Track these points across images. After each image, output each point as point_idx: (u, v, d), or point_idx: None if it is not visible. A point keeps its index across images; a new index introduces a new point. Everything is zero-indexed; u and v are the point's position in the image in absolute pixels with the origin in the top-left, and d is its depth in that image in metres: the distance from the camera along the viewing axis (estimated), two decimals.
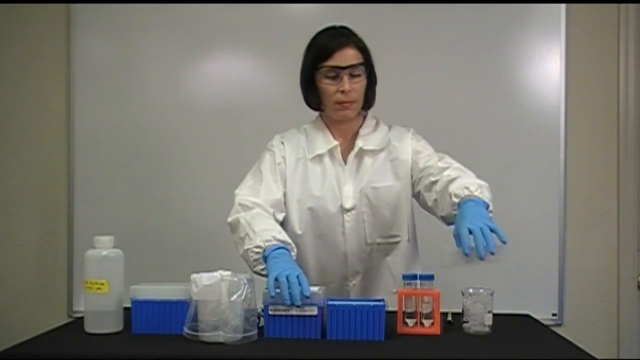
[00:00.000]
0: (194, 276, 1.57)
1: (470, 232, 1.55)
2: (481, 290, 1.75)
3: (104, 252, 1.66)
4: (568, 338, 1.69)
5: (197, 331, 1.55)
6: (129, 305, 1.67)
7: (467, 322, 1.72)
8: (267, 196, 1.90)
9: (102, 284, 1.64)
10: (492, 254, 1.52)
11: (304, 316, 1.60)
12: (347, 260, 1.95)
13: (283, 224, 1.93)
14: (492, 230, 1.56)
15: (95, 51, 2.85)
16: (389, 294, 1.88)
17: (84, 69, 2.83)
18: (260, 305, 1.63)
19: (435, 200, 1.85)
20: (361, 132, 1.98)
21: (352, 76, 1.88)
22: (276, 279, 1.59)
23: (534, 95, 2.76)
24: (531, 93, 2.76)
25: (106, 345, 1.57)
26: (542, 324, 1.89)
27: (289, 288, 1.57)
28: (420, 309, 1.69)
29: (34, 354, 1.52)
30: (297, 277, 1.60)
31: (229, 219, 1.86)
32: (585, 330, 2.73)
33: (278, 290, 1.58)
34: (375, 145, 1.96)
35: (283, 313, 1.60)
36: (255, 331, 1.56)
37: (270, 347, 1.54)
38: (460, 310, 1.78)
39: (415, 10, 2.75)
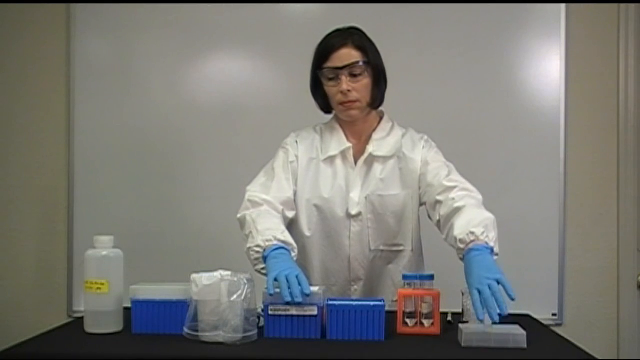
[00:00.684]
0: (194, 276, 1.57)
1: (480, 293, 1.52)
2: None
3: (104, 252, 1.66)
4: (568, 338, 1.69)
5: (197, 331, 1.55)
6: (129, 305, 1.67)
7: (466, 322, 1.72)
8: (277, 194, 1.89)
9: (102, 284, 1.64)
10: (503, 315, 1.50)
11: (304, 316, 1.60)
12: (350, 265, 1.95)
13: (292, 223, 1.94)
14: (499, 283, 1.53)
15: (95, 51, 2.85)
16: (389, 302, 1.86)
17: (84, 69, 2.83)
18: (260, 305, 1.63)
19: (439, 221, 1.85)
20: (374, 136, 1.96)
21: (353, 76, 1.87)
22: (275, 279, 1.59)
23: (534, 95, 2.76)
24: (531, 93, 2.76)
25: (106, 345, 1.57)
26: (542, 324, 1.89)
27: (288, 287, 1.57)
28: (420, 309, 1.69)
29: (34, 354, 1.52)
30: (297, 276, 1.59)
31: (238, 215, 1.86)
32: (585, 330, 2.73)
33: (277, 290, 1.57)
34: (386, 152, 1.95)
35: (283, 313, 1.60)
36: (255, 331, 1.56)
37: (270, 347, 1.54)
38: (460, 310, 1.79)
39: (415, 10, 2.75)
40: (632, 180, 2.76)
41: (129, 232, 2.60)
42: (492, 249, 1.66)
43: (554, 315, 2.74)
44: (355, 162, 1.95)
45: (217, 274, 1.56)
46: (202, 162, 2.80)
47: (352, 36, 1.90)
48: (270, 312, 1.61)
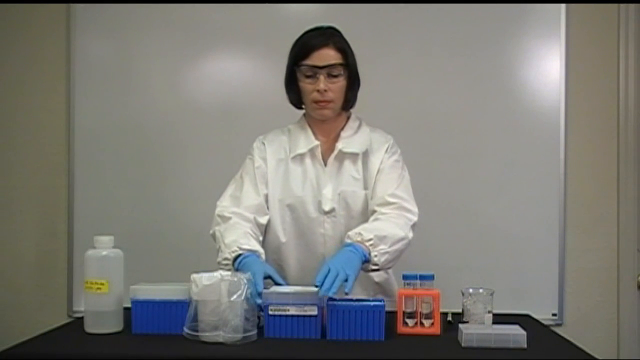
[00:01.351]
0: (194, 276, 1.57)
1: (329, 271, 1.62)
2: (481, 290, 1.76)
3: (104, 252, 1.66)
4: (568, 338, 1.69)
5: (197, 331, 1.55)
6: (129, 305, 1.67)
7: (466, 322, 1.72)
8: (247, 202, 1.93)
9: (102, 284, 1.64)
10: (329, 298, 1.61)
11: (304, 316, 1.60)
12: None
13: (267, 227, 1.96)
14: (347, 280, 1.62)
15: (95, 51, 2.85)
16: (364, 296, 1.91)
17: (84, 69, 2.82)
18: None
19: None
20: (342, 134, 1.99)
21: (331, 76, 1.90)
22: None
23: (534, 95, 2.76)
24: (531, 93, 2.76)
25: (106, 345, 1.57)
26: (542, 324, 1.89)
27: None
28: (420, 309, 1.69)
29: (34, 354, 1.53)
30: (254, 275, 1.63)
31: (210, 231, 1.94)
32: (585, 330, 2.73)
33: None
34: (356, 149, 1.97)
35: (283, 313, 1.60)
36: (255, 331, 1.56)
37: (270, 347, 1.54)
38: (460, 310, 1.79)
39: (414, 10, 2.75)
40: (632, 180, 2.76)
41: (129, 232, 2.60)
42: (368, 260, 1.75)
43: (554, 315, 2.74)
44: (325, 160, 1.97)
45: (217, 274, 1.57)
46: (202, 162, 2.79)
47: (333, 37, 1.93)
48: (270, 312, 1.61)
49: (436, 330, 1.68)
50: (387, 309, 1.64)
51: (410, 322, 1.69)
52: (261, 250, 1.82)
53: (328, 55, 1.89)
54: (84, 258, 1.68)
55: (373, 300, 1.66)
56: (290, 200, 1.95)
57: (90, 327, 1.66)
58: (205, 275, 1.56)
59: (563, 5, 2.74)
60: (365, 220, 1.92)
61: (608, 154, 2.78)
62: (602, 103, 2.78)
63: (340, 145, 1.96)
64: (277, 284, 1.75)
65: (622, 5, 2.76)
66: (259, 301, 1.61)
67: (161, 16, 2.81)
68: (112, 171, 2.82)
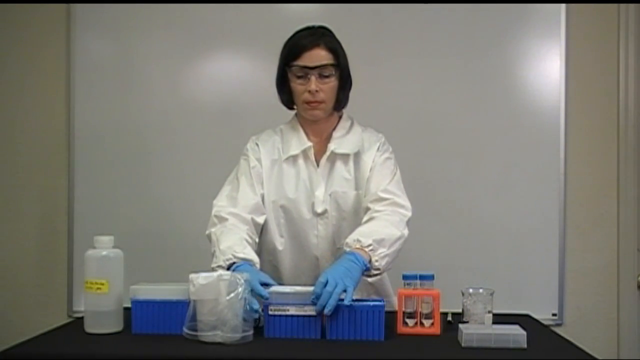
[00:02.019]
0: (192, 276, 1.57)
1: (327, 283, 1.60)
2: (481, 290, 1.76)
3: (104, 252, 1.66)
4: (568, 338, 1.69)
5: (196, 331, 1.55)
6: (129, 305, 1.67)
7: (466, 322, 1.72)
8: (244, 202, 1.92)
9: (102, 284, 1.64)
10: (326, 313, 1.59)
11: (304, 316, 1.60)
12: (319, 263, 1.96)
13: (262, 228, 1.95)
14: (346, 290, 1.60)
15: (96, 51, 2.85)
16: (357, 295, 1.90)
17: (84, 69, 2.83)
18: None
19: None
20: (335, 134, 1.98)
21: (322, 77, 1.89)
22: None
23: (534, 95, 2.76)
24: (531, 93, 2.76)
25: (106, 345, 1.57)
26: (542, 324, 1.89)
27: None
28: (420, 309, 1.69)
29: (34, 354, 1.53)
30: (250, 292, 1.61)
31: (206, 232, 1.92)
32: (585, 330, 2.73)
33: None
34: (348, 150, 1.96)
35: (283, 313, 1.60)
36: (252, 331, 1.56)
37: (270, 347, 1.54)
38: (460, 310, 1.79)
39: (415, 10, 2.75)
40: (632, 180, 2.76)
41: (129, 232, 2.60)
42: (367, 267, 1.73)
43: (554, 315, 2.74)
44: (317, 161, 1.96)
45: (215, 274, 1.57)
46: (202, 161, 2.79)
47: (324, 37, 1.92)
48: (270, 312, 1.61)
49: (436, 330, 1.68)
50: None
51: (410, 322, 1.69)
52: (256, 259, 1.79)
53: (319, 56, 1.88)
54: (84, 258, 1.68)
55: (373, 300, 1.66)
56: (283, 202, 1.95)
57: (90, 327, 1.66)
58: (202, 274, 1.56)
59: (563, 5, 2.74)
60: (357, 219, 1.91)
61: (608, 154, 2.78)
62: (602, 103, 2.78)
63: (332, 146, 1.95)
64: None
65: (622, 5, 2.76)
66: (255, 316, 1.60)
67: (161, 16, 2.81)
68: (112, 171, 2.82)
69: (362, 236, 1.77)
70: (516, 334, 1.55)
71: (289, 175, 1.96)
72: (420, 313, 1.69)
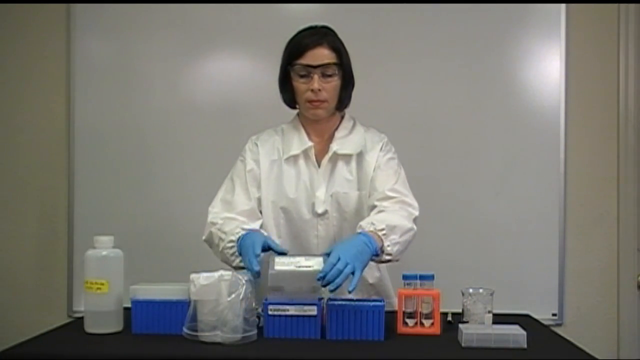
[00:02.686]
0: (193, 276, 1.57)
1: (338, 260, 1.58)
2: (481, 290, 1.76)
3: (104, 252, 1.67)
4: (568, 338, 1.69)
5: (196, 331, 1.55)
6: (129, 305, 1.67)
7: (466, 322, 1.73)
8: (239, 208, 1.92)
9: (102, 284, 1.64)
10: (330, 291, 1.58)
11: (304, 316, 1.60)
12: None
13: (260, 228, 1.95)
14: (354, 272, 1.59)
15: (96, 51, 2.85)
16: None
17: (84, 69, 2.82)
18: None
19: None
20: (337, 134, 1.98)
21: (325, 76, 1.89)
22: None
23: (534, 95, 2.76)
24: (531, 93, 2.76)
25: (106, 345, 1.57)
26: (542, 324, 1.89)
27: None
28: (420, 309, 1.69)
29: (34, 354, 1.53)
30: (253, 244, 1.67)
31: (204, 237, 1.91)
32: (585, 330, 2.73)
33: (258, 269, 1.64)
34: (350, 150, 1.96)
35: (283, 313, 1.61)
36: (255, 331, 1.56)
37: (270, 347, 1.54)
38: (460, 310, 1.79)
39: (415, 10, 2.75)
40: (632, 180, 2.76)
41: (129, 232, 2.60)
42: (377, 253, 1.71)
43: (554, 315, 2.74)
44: (318, 161, 1.96)
45: (216, 274, 1.57)
46: (202, 161, 2.79)
47: (327, 36, 1.92)
48: (270, 312, 1.61)
49: (436, 330, 1.68)
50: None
51: (410, 322, 1.69)
52: (262, 231, 1.83)
53: (322, 55, 1.88)
54: (84, 258, 1.68)
55: (372, 300, 1.66)
56: (283, 203, 1.94)
57: (90, 327, 1.66)
58: (203, 274, 1.56)
59: (563, 5, 2.74)
60: (359, 220, 1.90)
61: (608, 154, 2.78)
62: (602, 103, 2.78)
63: (334, 146, 1.95)
64: (278, 253, 1.74)
65: (622, 5, 2.76)
66: (256, 268, 1.62)
67: (161, 16, 2.81)
68: (112, 171, 2.82)
69: (376, 221, 1.76)
70: (516, 334, 1.56)
71: (289, 175, 1.96)
72: (420, 313, 1.69)
